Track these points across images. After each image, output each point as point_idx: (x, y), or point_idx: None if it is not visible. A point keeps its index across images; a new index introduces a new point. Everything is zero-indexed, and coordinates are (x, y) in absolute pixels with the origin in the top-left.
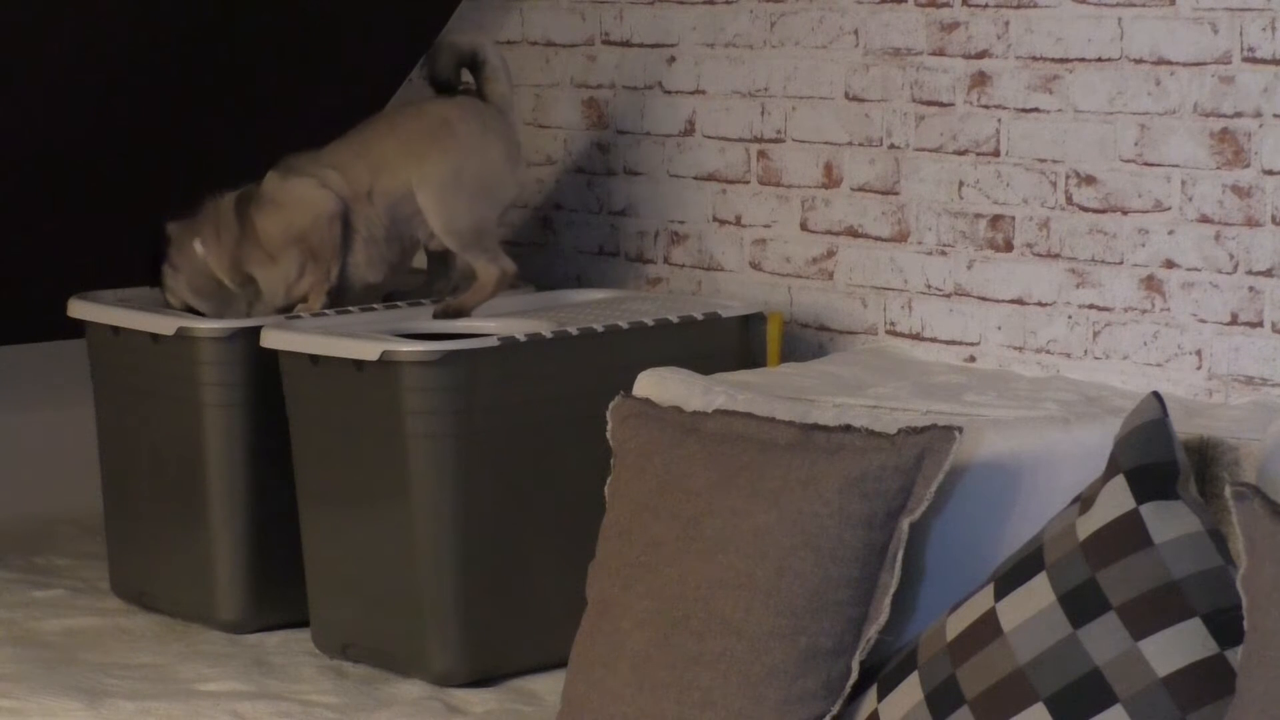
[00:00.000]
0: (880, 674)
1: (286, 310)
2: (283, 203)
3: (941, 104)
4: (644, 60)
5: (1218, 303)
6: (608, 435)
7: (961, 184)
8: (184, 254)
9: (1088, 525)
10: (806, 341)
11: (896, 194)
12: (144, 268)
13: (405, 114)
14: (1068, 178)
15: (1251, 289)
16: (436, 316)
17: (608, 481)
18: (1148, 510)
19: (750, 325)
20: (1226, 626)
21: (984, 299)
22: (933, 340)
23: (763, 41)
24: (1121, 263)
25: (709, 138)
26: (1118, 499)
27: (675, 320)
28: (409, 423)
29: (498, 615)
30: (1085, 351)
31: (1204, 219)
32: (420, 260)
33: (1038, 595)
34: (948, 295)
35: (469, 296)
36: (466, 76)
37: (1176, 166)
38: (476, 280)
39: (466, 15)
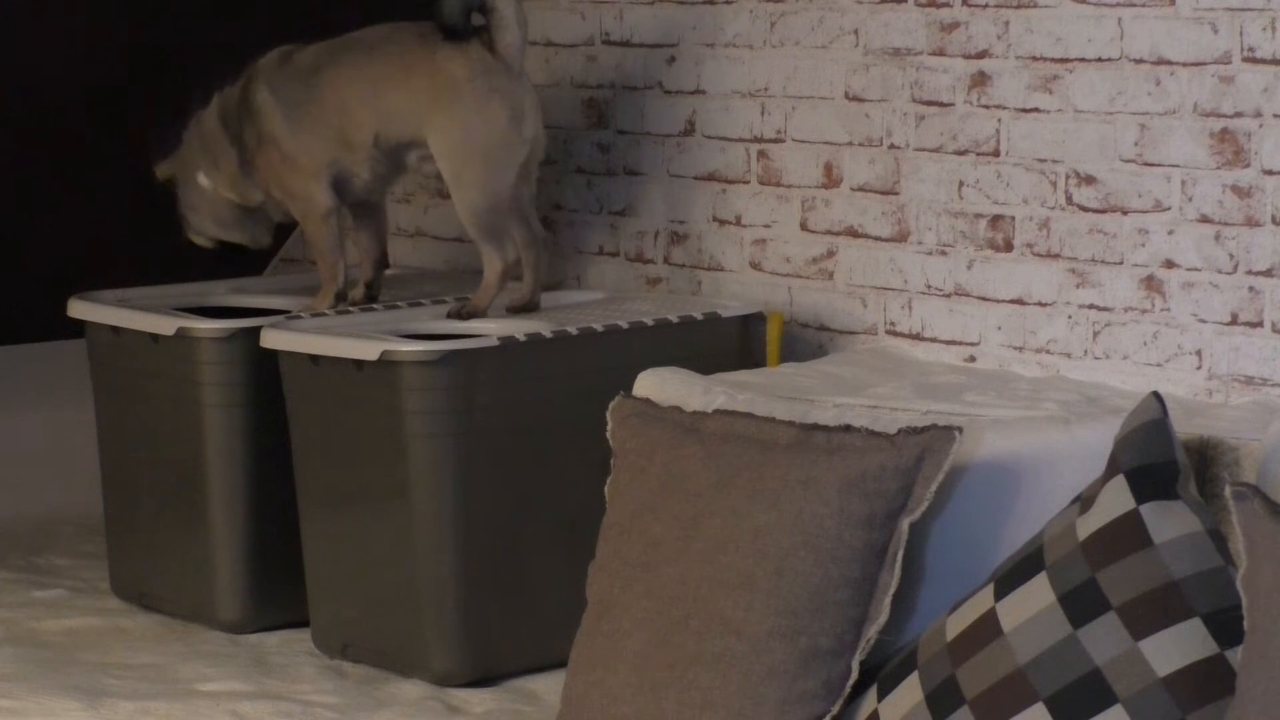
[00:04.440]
0: (880, 674)
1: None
2: (290, 158)
3: (941, 104)
4: (644, 60)
5: (1218, 303)
6: (608, 435)
7: (961, 184)
8: (194, 193)
9: (1088, 525)
10: (806, 341)
11: (896, 194)
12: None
13: (419, 63)
14: (1068, 178)
15: (1251, 289)
16: (450, 317)
17: (608, 481)
18: (1148, 510)
19: (750, 325)
20: (1226, 626)
21: (984, 299)
22: (933, 340)
23: (763, 41)
24: (1121, 263)
25: (709, 138)
26: (1118, 499)
27: (675, 320)
28: (409, 423)
29: (498, 615)
30: (1085, 351)
31: (1204, 219)
32: (419, 254)
33: (1038, 595)
34: (948, 295)
35: (479, 297)
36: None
37: (1176, 166)
38: (482, 278)
39: None
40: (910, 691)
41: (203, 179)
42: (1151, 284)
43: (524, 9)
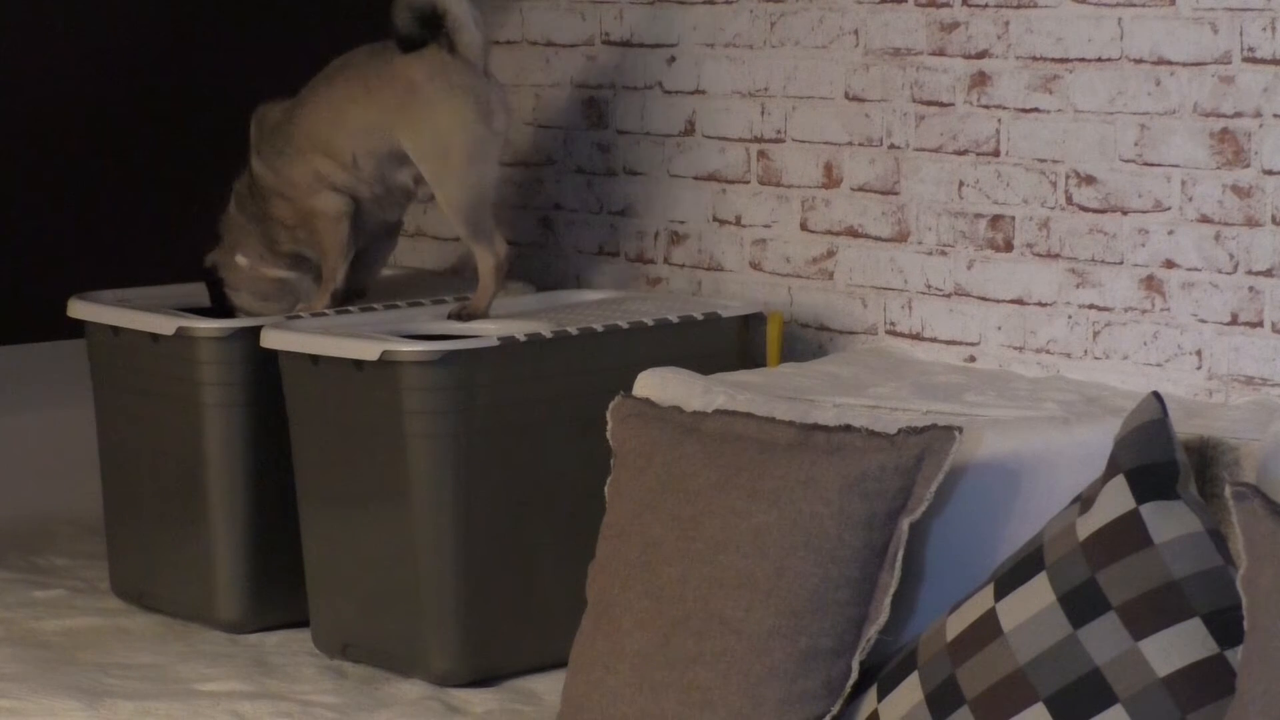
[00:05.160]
0: (880, 674)
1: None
2: (292, 198)
3: (941, 104)
4: (644, 60)
5: (1218, 303)
6: (608, 435)
7: (961, 184)
8: (235, 274)
9: (1088, 525)
10: (806, 341)
11: (896, 194)
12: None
13: (377, 76)
14: (1068, 178)
15: (1251, 289)
16: (451, 318)
17: (608, 481)
18: (1148, 510)
19: (750, 325)
20: (1226, 626)
21: (984, 299)
22: (933, 340)
23: (763, 41)
24: (1121, 263)
25: (709, 138)
26: (1118, 499)
27: (675, 320)
28: (409, 423)
29: (498, 615)
30: (1085, 351)
31: (1204, 219)
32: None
33: (1038, 595)
34: (948, 295)
35: (478, 297)
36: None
37: (1176, 166)
38: (479, 279)
39: None
40: (910, 691)
41: (240, 259)
42: (1151, 284)
43: (480, 7)
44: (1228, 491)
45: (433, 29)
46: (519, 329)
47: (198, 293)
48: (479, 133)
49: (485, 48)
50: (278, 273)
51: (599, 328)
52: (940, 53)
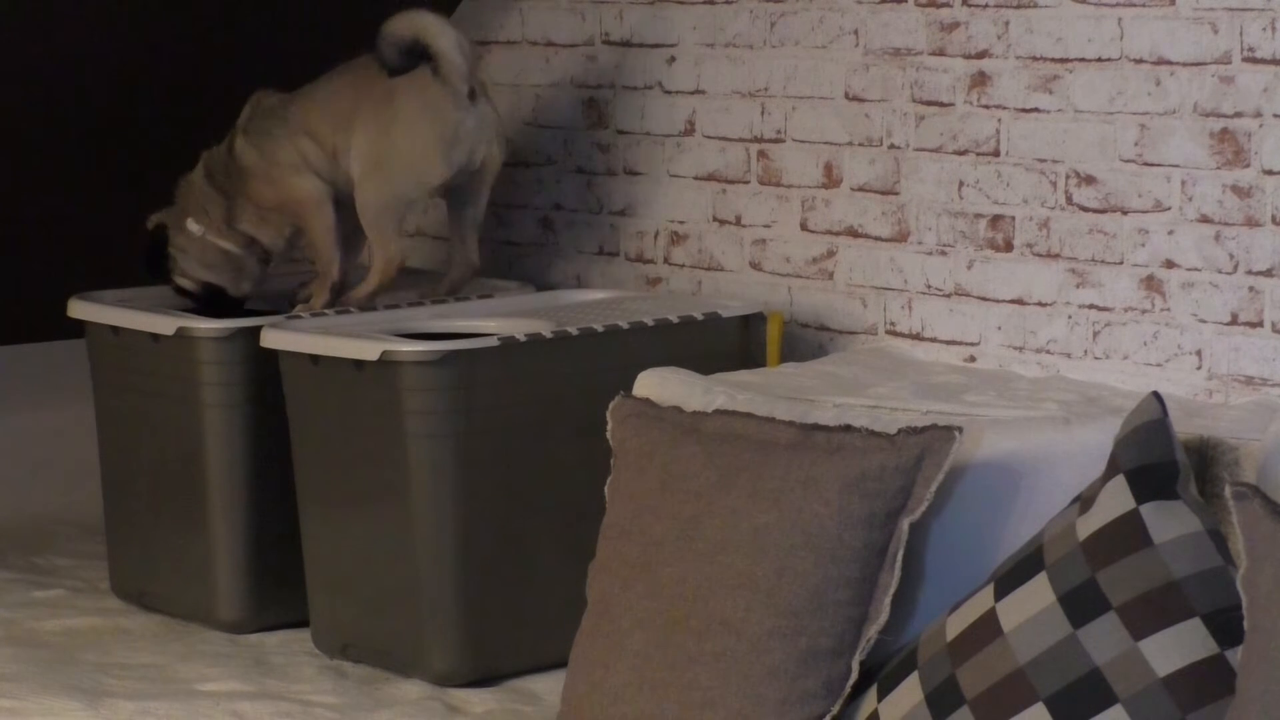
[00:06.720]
0: (880, 674)
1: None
2: (274, 179)
3: (941, 104)
4: (644, 60)
5: (1218, 303)
6: (608, 435)
7: (961, 184)
8: (183, 235)
9: (1088, 525)
10: (806, 341)
11: (896, 194)
12: (146, 268)
13: (367, 76)
14: (1068, 178)
15: (1251, 289)
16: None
17: (608, 481)
18: (1148, 510)
19: (750, 325)
20: (1226, 626)
21: (984, 299)
22: (933, 340)
23: (763, 41)
24: (1121, 263)
25: (709, 138)
26: (1118, 499)
27: (675, 320)
28: (409, 423)
29: (498, 615)
30: (1085, 351)
31: (1204, 219)
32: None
33: (1038, 595)
34: (948, 295)
35: (361, 288)
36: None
37: (1176, 166)
38: (370, 269)
39: (466, 15)
40: (910, 691)
41: (192, 225)
42: (1151, 284)
43: (467, 41)
44: (1228, 491)
45: (419, 57)
46: (519, 329)
47: None
48: (426, 161)
49: (472, 73)
50: (227, 245)
51: (599, 328)
52: (940, 53)
